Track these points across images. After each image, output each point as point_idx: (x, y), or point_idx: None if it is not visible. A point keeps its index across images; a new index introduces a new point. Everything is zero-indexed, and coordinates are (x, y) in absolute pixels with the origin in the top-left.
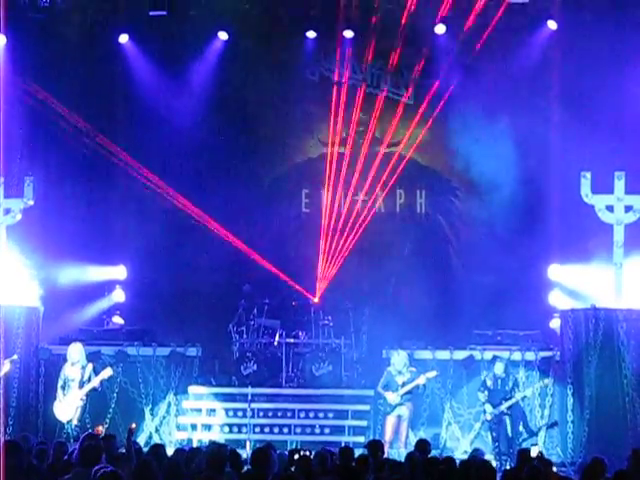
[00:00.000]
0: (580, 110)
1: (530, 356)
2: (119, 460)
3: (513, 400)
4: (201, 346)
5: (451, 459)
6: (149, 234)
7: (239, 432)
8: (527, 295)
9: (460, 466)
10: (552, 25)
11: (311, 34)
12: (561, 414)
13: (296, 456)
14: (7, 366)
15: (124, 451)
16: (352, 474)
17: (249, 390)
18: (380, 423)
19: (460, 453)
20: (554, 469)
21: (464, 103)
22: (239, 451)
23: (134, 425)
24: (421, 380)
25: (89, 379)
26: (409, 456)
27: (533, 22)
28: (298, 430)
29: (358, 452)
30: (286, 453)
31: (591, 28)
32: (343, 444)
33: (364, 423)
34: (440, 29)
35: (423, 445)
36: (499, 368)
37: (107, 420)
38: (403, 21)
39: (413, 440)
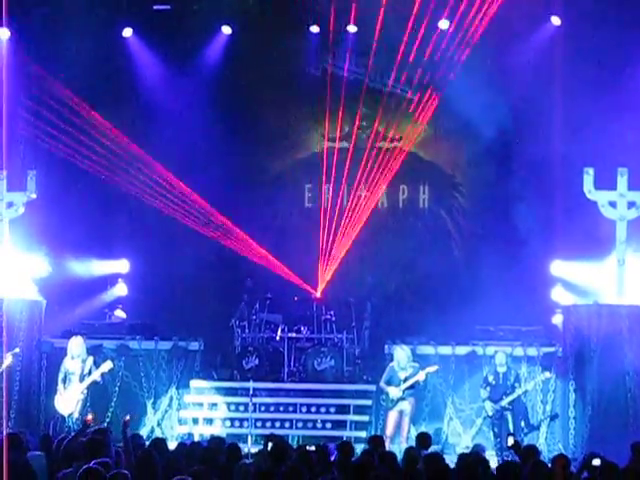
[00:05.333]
0: (582, 105)
1: (532, 352)
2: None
3: (514, 395)
4: (203, 340)
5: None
6: (152, 228)
7: (241, 426)
8: (529, 291)
9: (457, 461)
10: (556, 21)
11: (314, 29)
12: (563, 410)
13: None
14: (9, 359)
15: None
16: (357, 470)
17: (251, 384)
18: (382, 418)
19: (462, 448)
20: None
21: (467, 98)
22: (240, 445)
23: (128, 417)
24: (421, 376)
25: (89, 372)
26: (407, 451)
27: (536, 17)
28: (300, 425)
29: (360, 447)
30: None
31: (594, 24)
32: (345, 439)
33: (366, 418)
34: (443, 24)
35: (424, 439)
36: (500, 358)
37: (109, 414)
38: (406, 16)
39: (414, 435)
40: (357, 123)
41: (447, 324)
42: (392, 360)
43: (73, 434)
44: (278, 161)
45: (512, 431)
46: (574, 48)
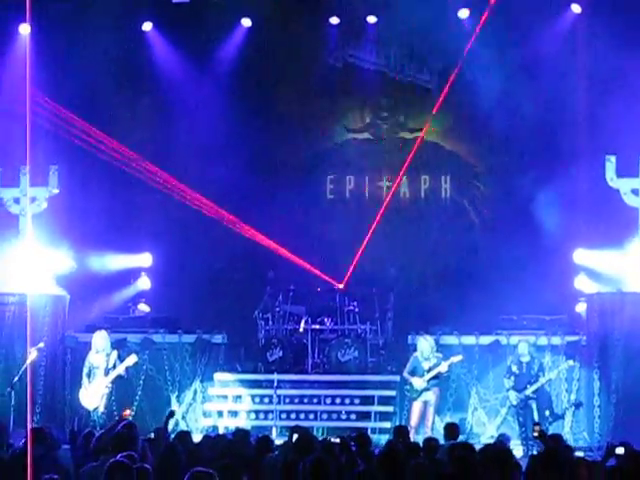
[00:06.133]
0: (604, 93)
1: (556, 340)
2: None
3: (538, 384)
4: (227, 333)
5: (470, 446)
6: (174, 221)
7: (265, 419)
8: (553, 279)
9: (480, 452)
10: (576, 9)
11: (334, 20)
12: (587, 398)
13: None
14: (33, 354)
15: (152, 436)
16: (385, 460)
17: (275, 376)
18: (406, 409)
19: (486, 438)
20: (580, 453)
21: (487, 87)
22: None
23: (128, 411)
24: (444, 367)
25: (114, 366)
26: (427, 441)
27: (557, 5)
28: (324, 416)
29: (384, 438)
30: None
31: (614, 10)
32: (369, 430)
33: (390, 409)
34: (463, 13)
35: (452, 429)
36: (523, 348)
37: (133, 407)
38: (426, 5)
39: (439, 425)
40: (378, 114)
41: (470, 314)
42: (415, 350)
43: (104, 429)
44: (300, 153)
45: (537, 420)
46: (595, 35)
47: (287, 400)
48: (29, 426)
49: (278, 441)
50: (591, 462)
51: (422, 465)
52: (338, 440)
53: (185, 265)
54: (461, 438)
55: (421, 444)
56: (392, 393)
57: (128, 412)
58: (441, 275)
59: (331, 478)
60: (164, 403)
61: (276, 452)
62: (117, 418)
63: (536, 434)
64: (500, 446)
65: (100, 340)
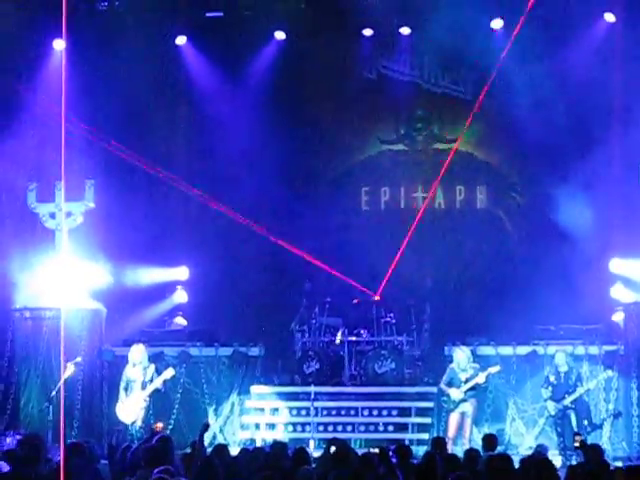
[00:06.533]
0: (637, 102)
1: (594, 350)
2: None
3: (577, 394)
4: (263, 345)
5: (507, 457)
6: (210, 234)
7: (303, 431)
8: (589, 289)
9: (520, 464)
10: (610, 18)
11: (368, 32)
12: (626, 408)
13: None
14: (71, 369)
15: (188, 451)
16: (421, 472)
17: (312, 389)
18: (444, 420)
19: (524, 449)
20: (619, 463)
21: (521, 97)
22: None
23: (161, 424)
24: (480, 379)
25: (151, 380)
26: (467, 452)
27: (590, 15)
28: (362, 428)
29: (422, 449)
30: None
31: None
32: (407, 441)
33: (428, 420)
34: (497, 23)
35: (490, 440)
36: (560, 358)
37: (171, 421)
38: (459, 16)
39: (477, 437)
40: (413, 125)
41: (507, 324)
42: (452, 362)
43: (138, 443)
44: (335, 164)
45: (575, 430)
46: (628, 44)
47: (324, 412)
48: (62, 441)
49: (316, 454)
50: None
51: (462, 477)
52: (377, 450)
53: (221, 278)
54: (499, 449)
55: (462, 455)
56: (429, 405)
57: (160, 425)
58: (477, 286)
59: None
60: (201, 416)
61: (314, 465)
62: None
63: (577, 444)
64: (539, 457)
65: (137, 354)
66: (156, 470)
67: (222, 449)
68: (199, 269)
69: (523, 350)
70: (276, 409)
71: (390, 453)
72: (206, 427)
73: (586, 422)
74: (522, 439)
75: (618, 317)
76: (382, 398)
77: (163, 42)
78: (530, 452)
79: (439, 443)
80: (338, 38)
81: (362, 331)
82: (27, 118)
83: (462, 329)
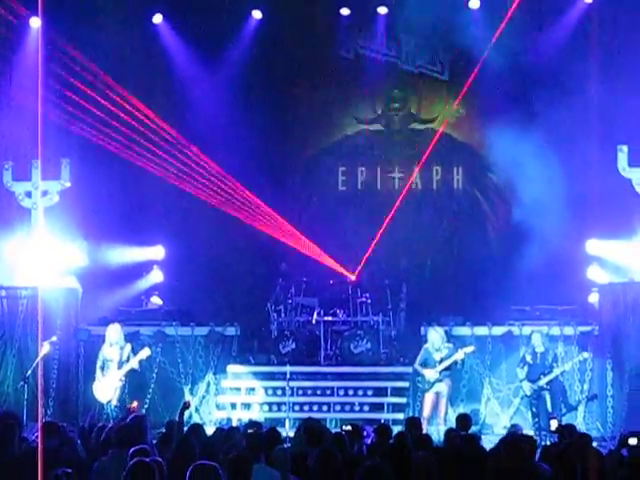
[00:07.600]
0: (616, 83)
1: (569, 331)
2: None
3: (552, 375)
4: (239, 325)
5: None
6: (186, 214)
7: (278, 410)
8: (565, 270)
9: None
10: None
11: (345, 11)
12: (601, 389)
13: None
14: (46, 348)
15: (164, 430)
16: (393, 452)
17: (288, 368)
18: (419, 400)
19: (499, 429)
20: (594, 444)
21: (498, 78)
22: (279, 429)
23: (136, 403)
24: (459, 355)
25: (127, 359)
26: (448, 433)
27: None
28: (337, 408)
29: (398, 429)
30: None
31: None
32: (382, 421)
33: (403, 400)
34: (474, 4)
35: (464, 420)
36: (537, 339)
37: (147, 400)
38: None
39: (452, 416)
40: (390, 105)
41: (483, 305)
42: (427, 342)
43: (113, 422)
44: (311, 144)
45: (550, 411)
46: (605, 26)
47: (300, 392)
48: (40, 420)
49: (292, 433)
50: (603, 454)
51: (425, 457)
52: (350, 428)
53: (197, 258)
54: (474, 429)
55: (443, 435)
56: (405, 384)
57: (136, 404)
58: (453, 266)
59: (338, 470)
60: (177, 396)
61: (287, 444)
62: (126, 411)
63: (553, 429)
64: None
65: (113, 333)
66: (132, 450)
67: (198, 428)
68: (175, 249)
69: (498, 330)
70: (252, 389)
71: (365, 432)
72: (186, 406)
73: (562, 404)
74: (497, 419)
75: (593, 298)
76: (358, 378)
77: (140, 21)
78: (505, 432)
79: (413, 423)
80: (315, 17)
81: (338, 311)
82: (3, 97)
83: (438, 309)
